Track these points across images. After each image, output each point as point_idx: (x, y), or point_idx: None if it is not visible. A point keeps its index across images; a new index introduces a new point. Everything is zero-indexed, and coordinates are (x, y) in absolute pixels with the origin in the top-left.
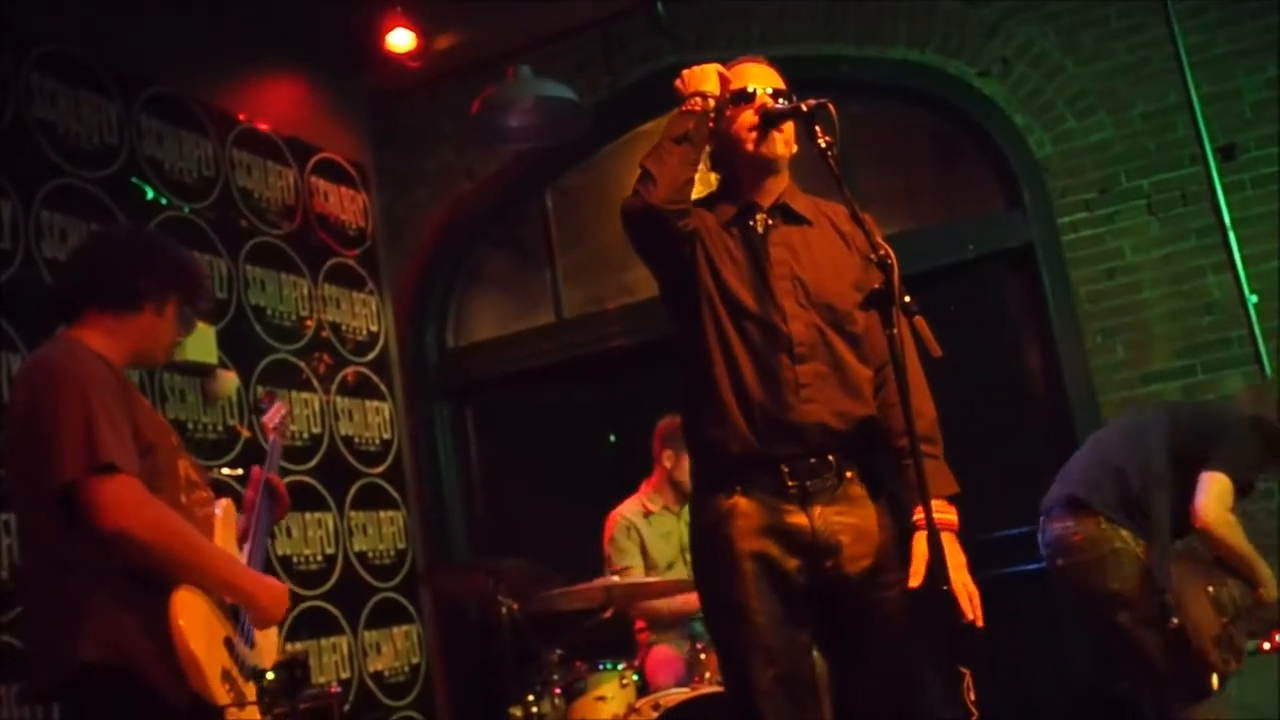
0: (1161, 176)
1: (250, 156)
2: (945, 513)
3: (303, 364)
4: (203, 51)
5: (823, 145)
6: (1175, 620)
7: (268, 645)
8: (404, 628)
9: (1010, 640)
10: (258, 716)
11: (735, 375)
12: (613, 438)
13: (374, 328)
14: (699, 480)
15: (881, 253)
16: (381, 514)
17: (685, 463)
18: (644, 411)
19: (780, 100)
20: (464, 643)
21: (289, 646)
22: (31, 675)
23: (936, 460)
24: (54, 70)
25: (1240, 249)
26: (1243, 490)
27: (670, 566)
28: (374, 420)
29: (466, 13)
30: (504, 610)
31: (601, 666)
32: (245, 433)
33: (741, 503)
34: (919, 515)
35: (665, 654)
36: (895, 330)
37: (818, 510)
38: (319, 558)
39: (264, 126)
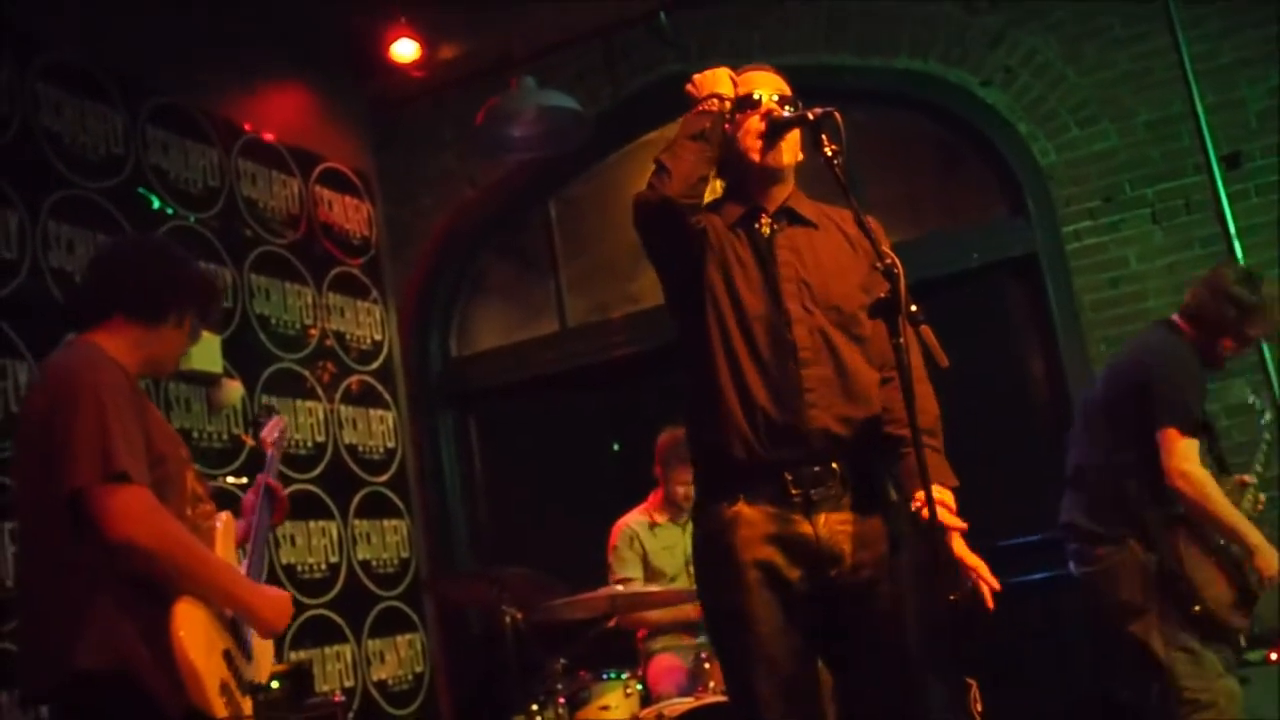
0: (1165, 185)
1: (255, 166)
2: (944, 494)
3: (307, 373)
4: (208, 61)
5: (829, 154)
6: (1197, 608)
7: (265, 660)
8: (408, 636)
9: (1015, 649)
10: None
11: (739, 379)
12: (616, 447)
13: (378, 336)
14: (702, 486)
15: (888, 261)
16: (385, 522)
17: (677, 479)
18: (648, 421)
19: (786, 107)
20: (468, 651)
21: (293, 655)
22: (26, 678)
23: (938, 453)
24: (60, 80)
25: (1245, 258)
26: (1204, 426)
27: (674, 579)
28: (378, 429)
29: (469, 22)
30: (508, 619)
31: (606, 676)
32: (250, 442)
33: (745, 511)
34: (919, 503)
35: (667, 663)
36: (901, 339)
37: (822, 519)
38: (323, 566)
39: (269, 136)
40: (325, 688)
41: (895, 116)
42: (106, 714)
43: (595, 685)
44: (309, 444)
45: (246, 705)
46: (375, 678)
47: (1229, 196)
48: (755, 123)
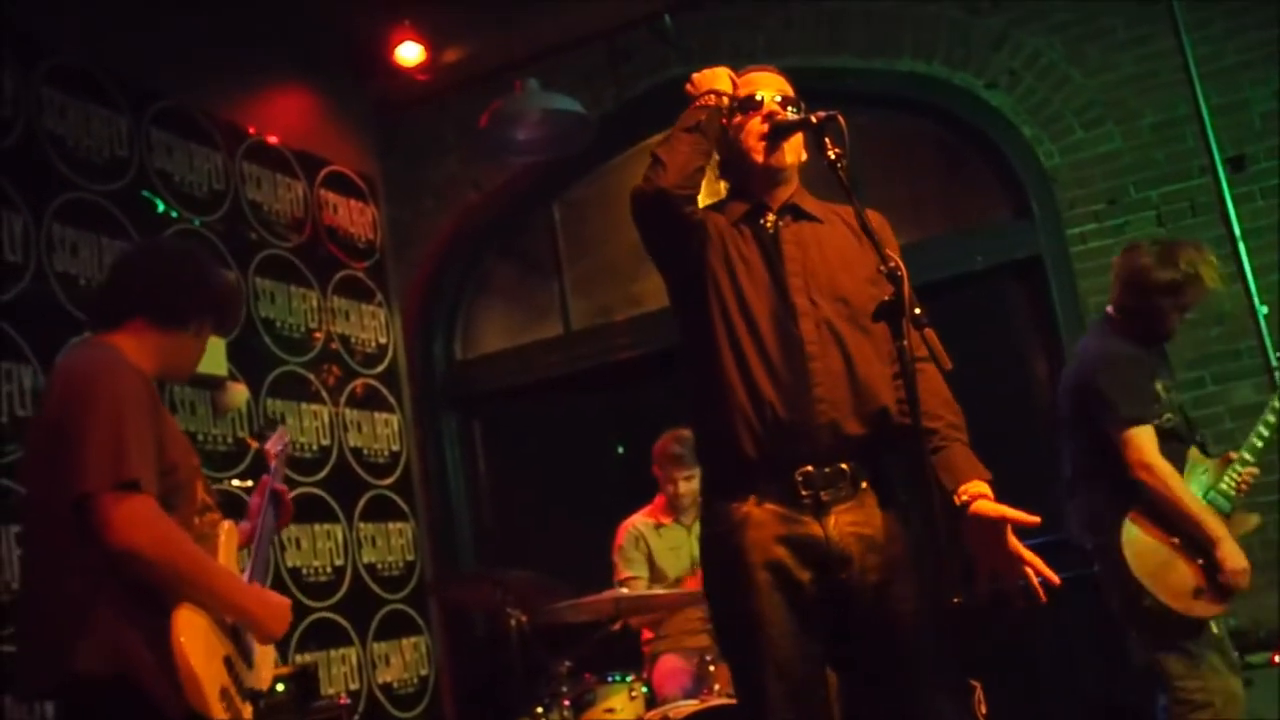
0: (1170, 188)
1: (260, 169)
2: (983, 487)
3: (312, 376)
4: (212, 65)
5: (832, 157)
6: (1146, 602)
7: (266, 667)
8: (413, 639)
9: (1020, 653)
10: None
11: (746, 375)
12: (620, 449)
13: (383, 340)
14: (710, 485)
15: (892, 264)
16: (390, 525)
17: (671, 478)
18: (652, 423)
19: (789, 108)
20: (472, 654)
21: (298, 658)
22: (25, 677)
23: (966, 446)
24: (64, 83)
25: (1250, 260)
26: (1157, 415)
27: (679, 581)
28: (383, 432)
29: (473, 25)
30: (512, 622)
31: (611, 678)
32: (255, 445)
33: (755, 512)
34: (964, 495)
35: (671, 664)
36: (905, 342)
37: (832, 520)
38: (328, 569)
39: (273, 139)
40: (330, 691)
41: (899, 119)
42: (107, 715)
43: (600, 688)
44: (314, 447)
45: (247, 711)
46: (380, 680)
47: (1234, 199)
48: (758, 124)
